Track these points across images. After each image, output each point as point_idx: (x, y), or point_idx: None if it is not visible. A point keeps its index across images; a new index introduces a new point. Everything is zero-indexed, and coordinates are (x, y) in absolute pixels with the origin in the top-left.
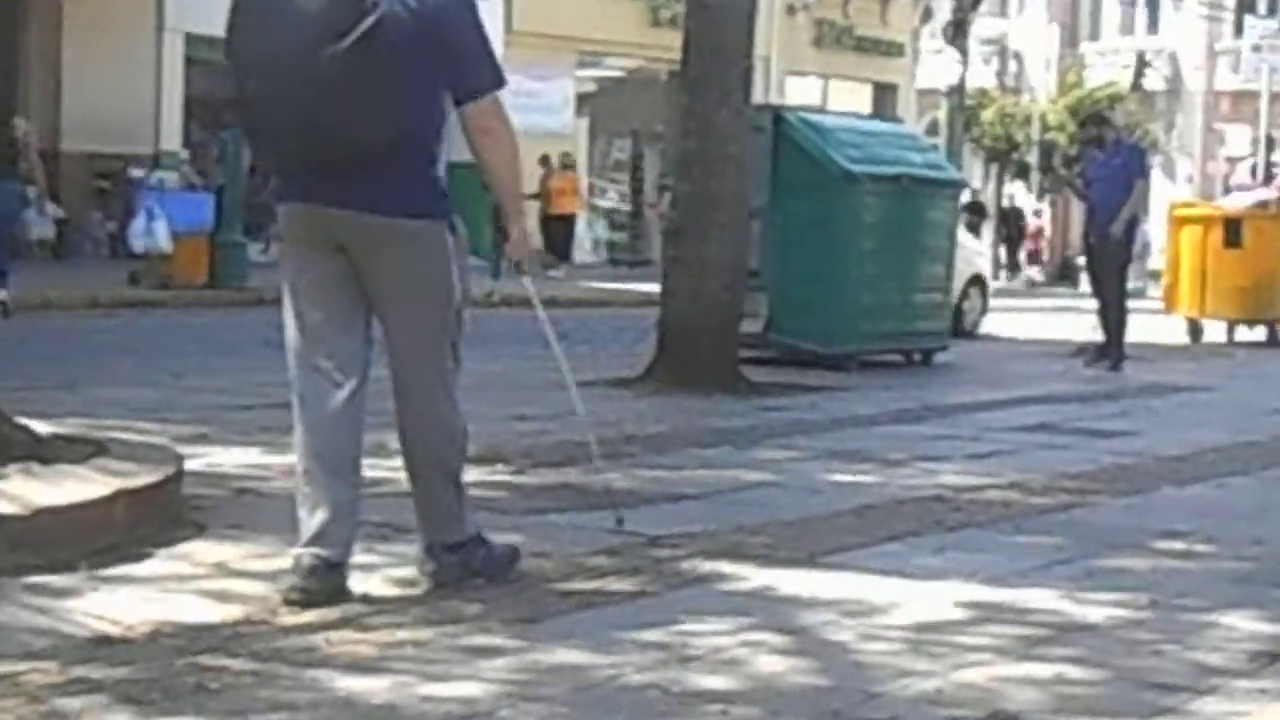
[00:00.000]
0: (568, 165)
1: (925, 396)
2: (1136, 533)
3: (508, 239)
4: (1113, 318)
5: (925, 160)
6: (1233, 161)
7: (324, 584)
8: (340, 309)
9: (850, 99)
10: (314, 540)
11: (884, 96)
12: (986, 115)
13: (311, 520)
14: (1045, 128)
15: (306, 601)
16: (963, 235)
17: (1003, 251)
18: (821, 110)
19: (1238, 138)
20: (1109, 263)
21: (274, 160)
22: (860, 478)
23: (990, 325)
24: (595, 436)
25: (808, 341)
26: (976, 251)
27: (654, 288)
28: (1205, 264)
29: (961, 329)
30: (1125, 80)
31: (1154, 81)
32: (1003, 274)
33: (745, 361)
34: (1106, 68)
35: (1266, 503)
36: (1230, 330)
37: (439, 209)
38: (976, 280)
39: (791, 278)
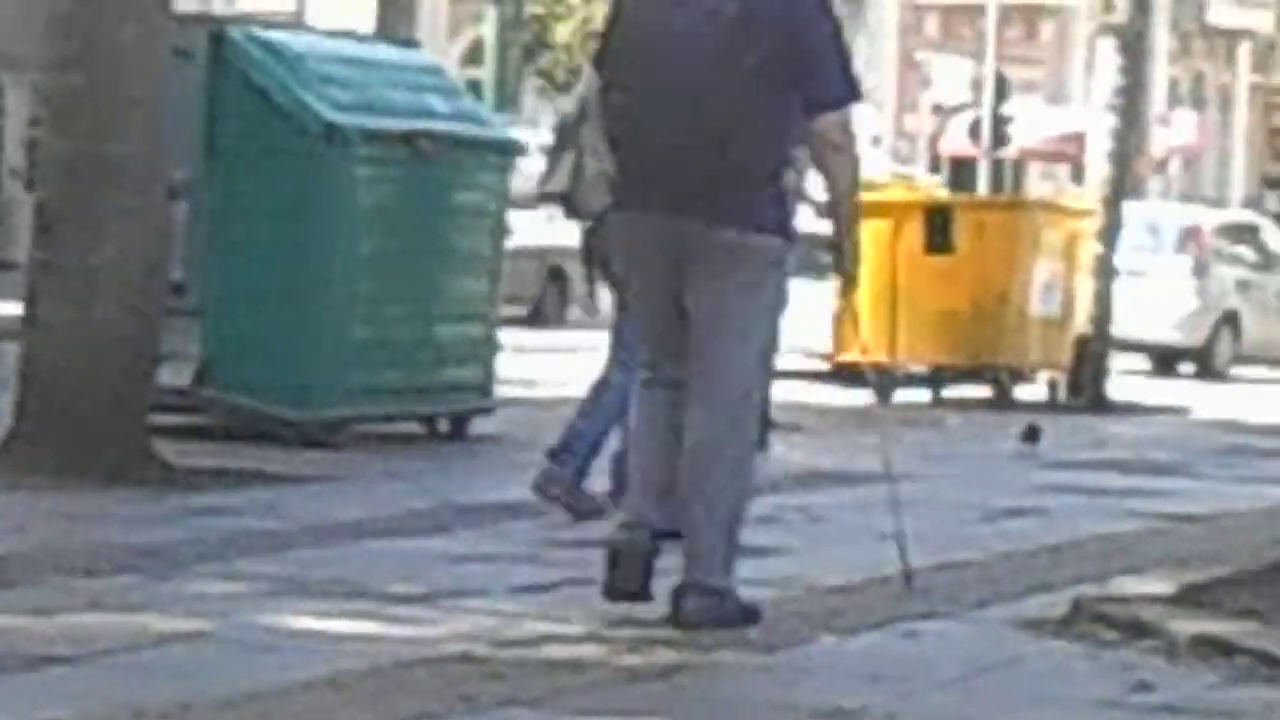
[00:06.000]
0: None
1: (453, 489)
2: (778, 711)
3: (840, 252)
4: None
5: (455, 109)
6: (944, 113)
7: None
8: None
9: (345, 6)
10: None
11: (394, 4)
12: (562, 32)
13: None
14: None
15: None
16: None
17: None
18: (296, 25)
19: (950, 76)
20: None
21: (634, 166)
22: (343, 624)
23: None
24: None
25: (268, 401)
26: None
27: (14, 309)
28: (895, 280)
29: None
30: None
31: None
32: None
33: (162, 432)
34: None
35: (981, 661)
36: (935, 383)
37: (787, 226)
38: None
39: (240, 298)
